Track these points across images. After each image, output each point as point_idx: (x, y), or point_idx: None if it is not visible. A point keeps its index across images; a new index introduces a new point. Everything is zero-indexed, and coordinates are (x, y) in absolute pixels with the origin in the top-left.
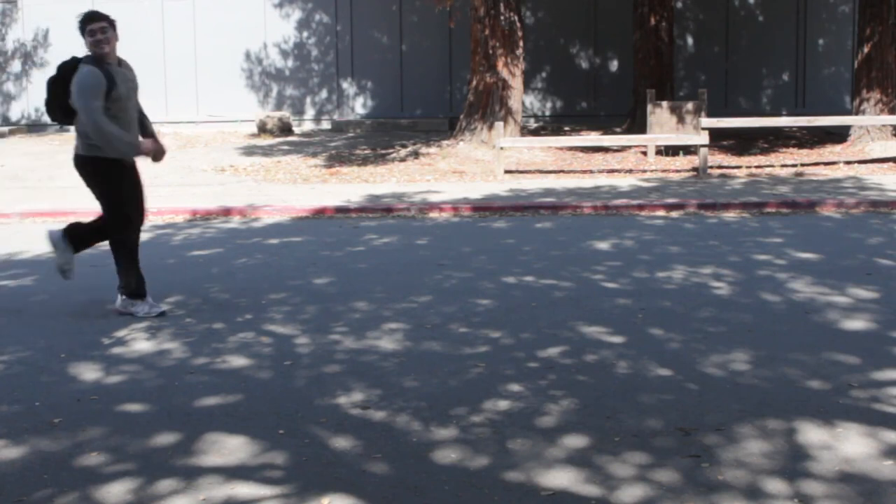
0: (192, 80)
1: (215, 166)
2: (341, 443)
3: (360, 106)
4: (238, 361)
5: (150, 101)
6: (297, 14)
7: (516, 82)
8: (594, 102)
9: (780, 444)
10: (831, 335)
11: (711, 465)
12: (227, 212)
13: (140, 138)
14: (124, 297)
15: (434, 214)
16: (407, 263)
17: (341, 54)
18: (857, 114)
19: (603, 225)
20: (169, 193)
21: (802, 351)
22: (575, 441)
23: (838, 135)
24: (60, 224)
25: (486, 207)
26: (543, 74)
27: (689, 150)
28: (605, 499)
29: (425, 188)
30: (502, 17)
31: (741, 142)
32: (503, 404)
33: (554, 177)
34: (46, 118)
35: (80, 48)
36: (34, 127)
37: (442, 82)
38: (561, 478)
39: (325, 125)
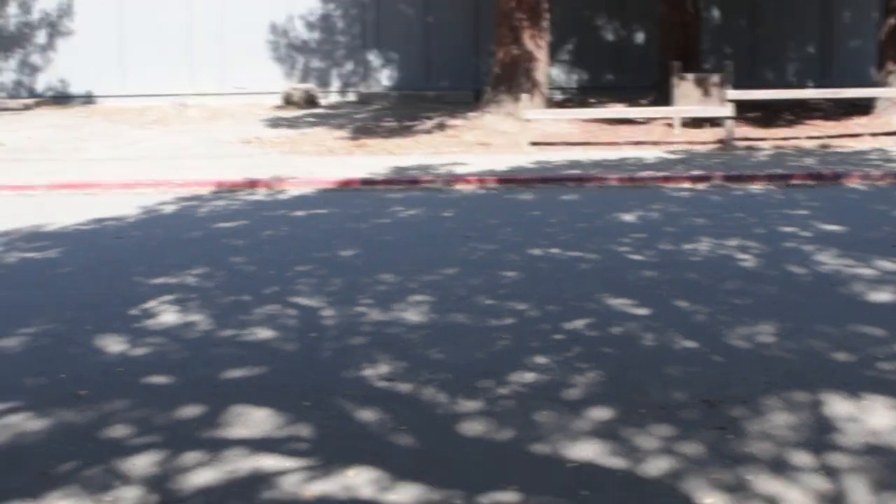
0: (218, 52)
1: (241, 138)
2: (367, 415)
3: (385, 78)
4: (264, 333)
5: (176, 72)
6: None
7: (542, 54)
8: (620, 74)
9: (805, 416)
10: (857, 307)
11: (737, 438)
12: (252, 184)
13: None
14: None
15: (460, 186)
16: (433, 235)
17: (367, 26)
18: (882, 86)
19: (629, 197)
20: (194, 165)
21: (828, 323)
22: (600, 413)
23: (864, 107)
24: (87, 195)
25: (511, 179)
26: (569, 46)
27: (714, 122)
28: (630, 471)
29: (451, 160)
30: None
31: (767, 114)
32: (529, 376)
33: (580, 149)
34: (72, 89)
35: (104, 16)
36: (60, 98)
37: (467, 54)
38: (586, 450)
39: (351, 97)
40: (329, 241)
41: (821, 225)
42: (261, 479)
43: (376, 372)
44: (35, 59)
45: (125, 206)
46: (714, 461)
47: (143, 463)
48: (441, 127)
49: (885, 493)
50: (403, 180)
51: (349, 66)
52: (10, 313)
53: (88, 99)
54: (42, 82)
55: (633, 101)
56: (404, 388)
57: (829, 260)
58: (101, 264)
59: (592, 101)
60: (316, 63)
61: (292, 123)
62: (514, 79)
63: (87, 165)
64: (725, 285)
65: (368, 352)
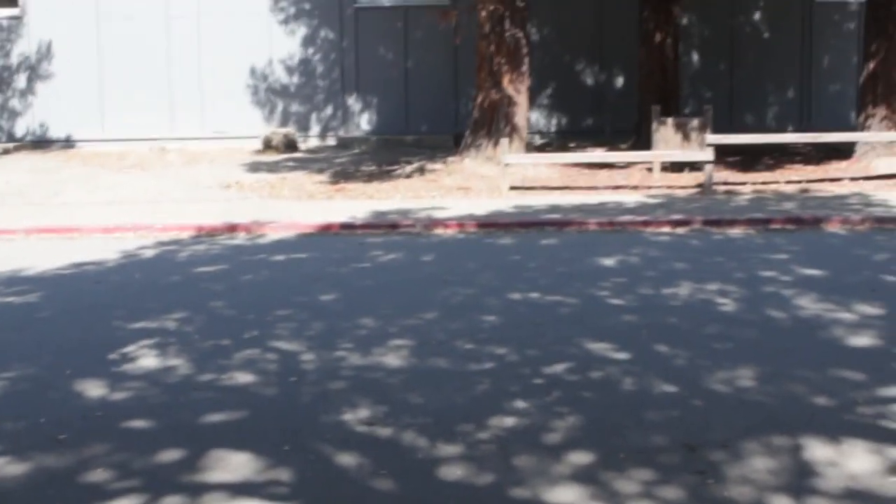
0: (197, 97)
1: (221, 182)
2: (347, 459)
3: (365, 122)
4: (244, 378)
5: (156, 117)
6: (302, 31)
7: (521, 98)
8: (599, 119)
9: (785, 460)
10: (837, 352)
11: (717, 482)
12: (232, 228)
13: None
14: None
15: (439, 231)
16: (412, 280)
17: (346, 71)
18: (862, 130)
19: (608, 241)
20: (174, 209)
21: (808, 367)
22: (580, 457)
23: (844, 151)
24: (66, 240)
25: (491, 224)
26: (549, 91)
27: (694, 166)
28: None
29: (430, 204)
30: (507, 34)
31: (746, 158)
32: (509, 421)
33: (559, 193)
34: (51, 133)
35: (83, 60)
36: (39, 143)
37: (447, 99)
38: (566, 494)
39: (331, 141)
40: (309, 286)
41: (801, 269)
42: None
43: (356, 416)
44: (14, 102)
45: (104, 250)
46: None
47: None
48: (420, 171)
49: None
50: (383, 225)
51: (329, 110)
52: None
53: (68, 143)
54: (21, 126)
55: (612, 146)
56: (384, 432)
57: (808, 304)
58: (81, 309)
59: (572, 145)
60: (295, 107)
61: (272, 167)
62: (493, 123)
63: (67, 210)
64: (705, 329)
65: (348, 396)
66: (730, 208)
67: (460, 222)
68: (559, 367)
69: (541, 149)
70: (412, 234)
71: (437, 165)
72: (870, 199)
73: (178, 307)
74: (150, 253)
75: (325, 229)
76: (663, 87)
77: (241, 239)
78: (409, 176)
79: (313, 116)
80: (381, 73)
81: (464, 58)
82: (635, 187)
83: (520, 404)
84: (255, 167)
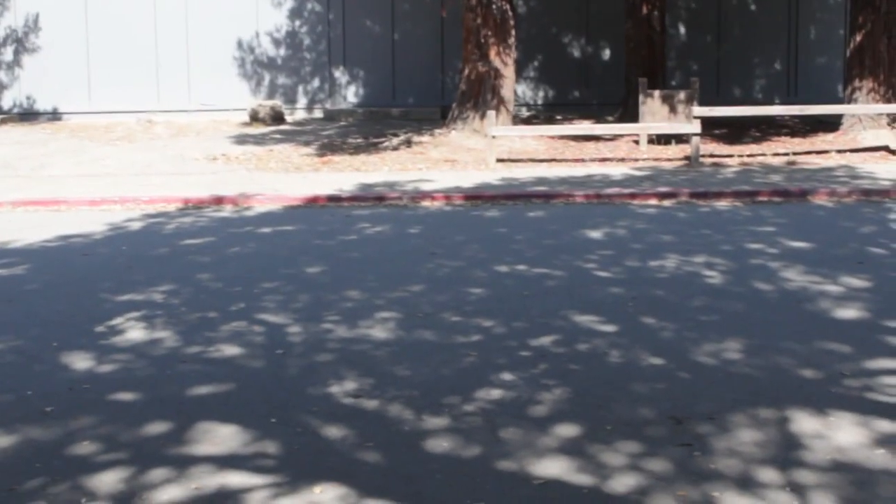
0: (184, 69)
1: (207, 155)
2: (333, 431)
3: (352, 95)
4: (230, 350)
5: (143, 89)
6: (289, 3)
7: (508, 71)
8: (586, 91)
9: (772, 433)
10: (824, 324)
11: (704, 454)
12: (219, 200)
13: None
14: None
15: (426, 203)
16: (399, 252)
17: (333, 43)
18: (848, 102)
19: (595, 214)
20: (161, 182)
21: (795, 340)
22: (567, 430)
23: (830, 124)
24: (53, 212)
25: (478, 196)
26: (535, 63)
27: (681, 138)
28: (597, 488)
29: (417, 177)
30: (494, 6)
31: (733, 130)
32: (495, 393)
33: (546, 165)
34: (38, 106)
35: (70, 33)
36: (26, 115)
37: (434, 71)
38: (553, 467)
39: (318, 114)
40: (295, 258)
41: (787, 242)
42: (227, 496)
43: (343, 388)
44: (1, 75)
45: (91, 222)
46: (681, 478)
47: (109, 480)
48: (407, 144)
49: None
50: (370, 197)
51: (316, 82)
52: None
53: (55, 115)
54: (8, 99)
55: (599, 118)
56: (371, 404)
57: (795, 276)
58: (68, 281)
59: (559, 117)
60: (282, 80)
61: (259, 140)
62: (480, 95)
63: (53, 182)
64: (692, 302)
65: (335, 368)
66: (716, 181)
67: (447, 195)
68: (546, 340)
69: (527, 121)
70: (399, 206)
71: (424, 138)
72: (856, 172)
73: (165, 280)
74: (136, 225)
75: (312, 202)
76: (650, 59)
77: (227, 211)
78: (395, 148)
79: (300, 89)
80: (367, 46)
81: (450, 30)
82: (622, 160)
83: (506, 377)
84: (241, 139)
